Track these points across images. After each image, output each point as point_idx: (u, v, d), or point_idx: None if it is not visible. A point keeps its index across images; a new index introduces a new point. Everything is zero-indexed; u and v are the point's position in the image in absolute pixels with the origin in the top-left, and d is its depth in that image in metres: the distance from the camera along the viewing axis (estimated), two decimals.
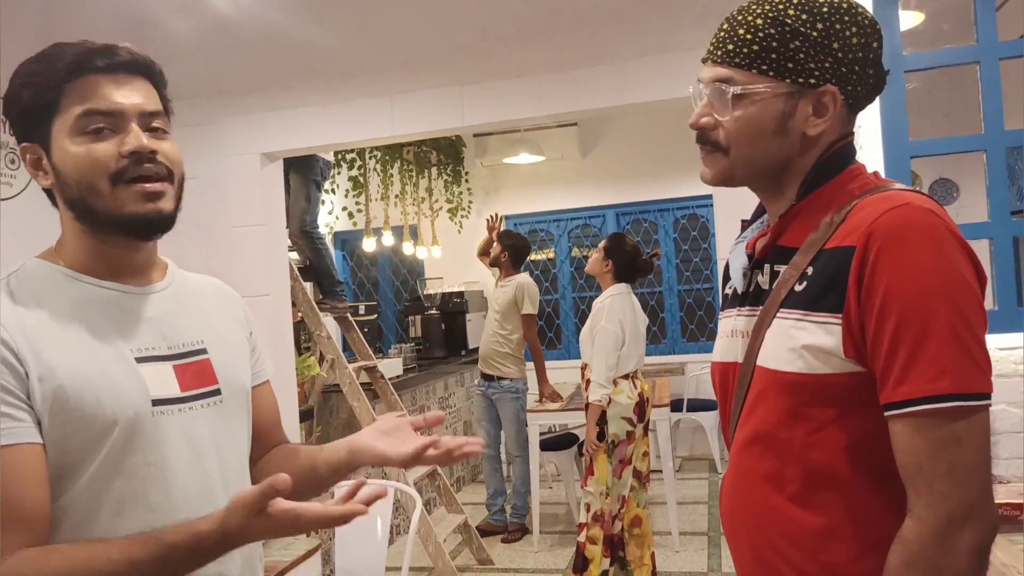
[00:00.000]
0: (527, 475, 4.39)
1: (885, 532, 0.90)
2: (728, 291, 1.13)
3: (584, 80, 2.58)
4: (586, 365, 3.48)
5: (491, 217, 4.75)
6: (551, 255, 6.58)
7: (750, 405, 1.01)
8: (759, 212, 1.12)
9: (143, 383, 0.98)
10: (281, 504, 0.87)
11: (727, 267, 1.14)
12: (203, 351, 1.07)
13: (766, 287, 1.02)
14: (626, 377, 3.37)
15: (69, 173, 0.98)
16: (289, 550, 2.14)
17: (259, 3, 2.72)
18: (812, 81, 0.96)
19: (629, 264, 3.51)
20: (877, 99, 2.20)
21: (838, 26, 0.96)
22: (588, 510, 3.36)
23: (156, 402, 0.98)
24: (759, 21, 0.97)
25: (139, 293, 1.05)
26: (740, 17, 1.00)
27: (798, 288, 0.95)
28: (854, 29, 0.96)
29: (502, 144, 6.00)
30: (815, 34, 0.95)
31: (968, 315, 0.86)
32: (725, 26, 1.01)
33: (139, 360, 0.99)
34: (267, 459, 1.20)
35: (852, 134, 1.04)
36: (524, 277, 4.59)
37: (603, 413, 3.30)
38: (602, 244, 3.57)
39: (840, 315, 0.90)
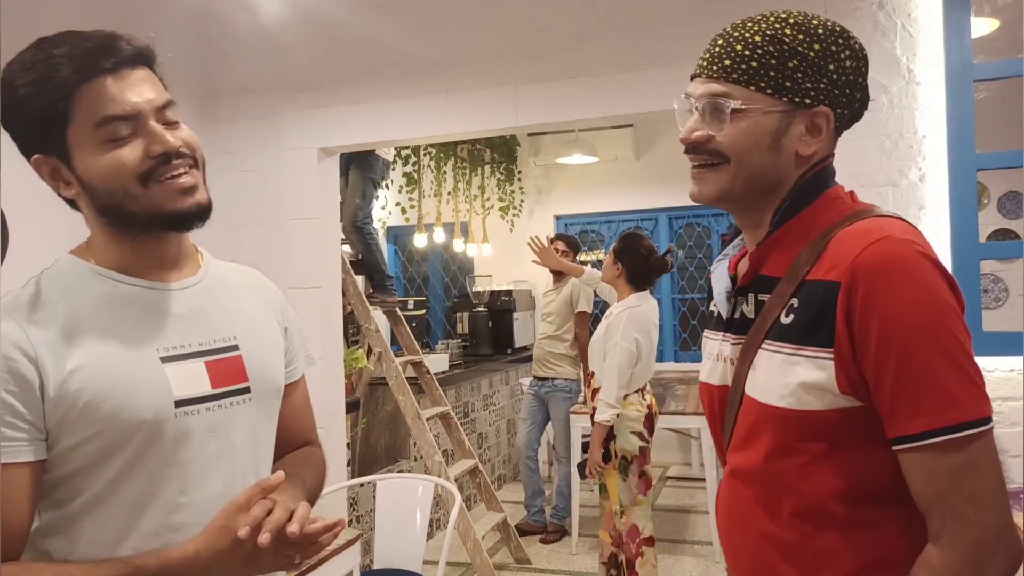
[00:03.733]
0: (571, 477, 4.36)
1: (882, 551, 0.93)
2: (713, 310, 1.14)
3: (641, 82, 2.56)
4: (593, 374, 3.31)
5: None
6: (601, 256, 6.55)
7: (742, 434, 1.03)
8: (738, 230, 1.12)
9: (166, 384, 0.97)
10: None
11: (710, 284, 1.14)
12: (235, 347, 1.06)
13: (752, 316, 1.03)
14: (637, 391, 3.23)
15: (98, 183, 0.96)
16: None
17: (321, 1, 2.77)
18: (808, 101, 0.97)
19: (641, 265, 3.24)
20: (943, 109, 2.16)
21: (833, 48, 0.97)
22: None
23: (181, 402, 0.98)
24: (757, 38, 0.97)
25: (169, 289, 1.03)
26: (736, 34, 0.99)
27: (785, 320, 0.97)
28: (847, 52, 0.98)
29: (556, 144, 5.99)
30: (812, 55, 0.96)
31: (961, 339, 0.88)
32: (720, 42, 1.01)
33: (165, 360, 0.98)
34: (283, 460, 1.17)
35: (831, 156, 1.04)
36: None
37: (610, 431, 3.18)
38: (612, 246, 3.31)
39: (831, 349, 0.91)
